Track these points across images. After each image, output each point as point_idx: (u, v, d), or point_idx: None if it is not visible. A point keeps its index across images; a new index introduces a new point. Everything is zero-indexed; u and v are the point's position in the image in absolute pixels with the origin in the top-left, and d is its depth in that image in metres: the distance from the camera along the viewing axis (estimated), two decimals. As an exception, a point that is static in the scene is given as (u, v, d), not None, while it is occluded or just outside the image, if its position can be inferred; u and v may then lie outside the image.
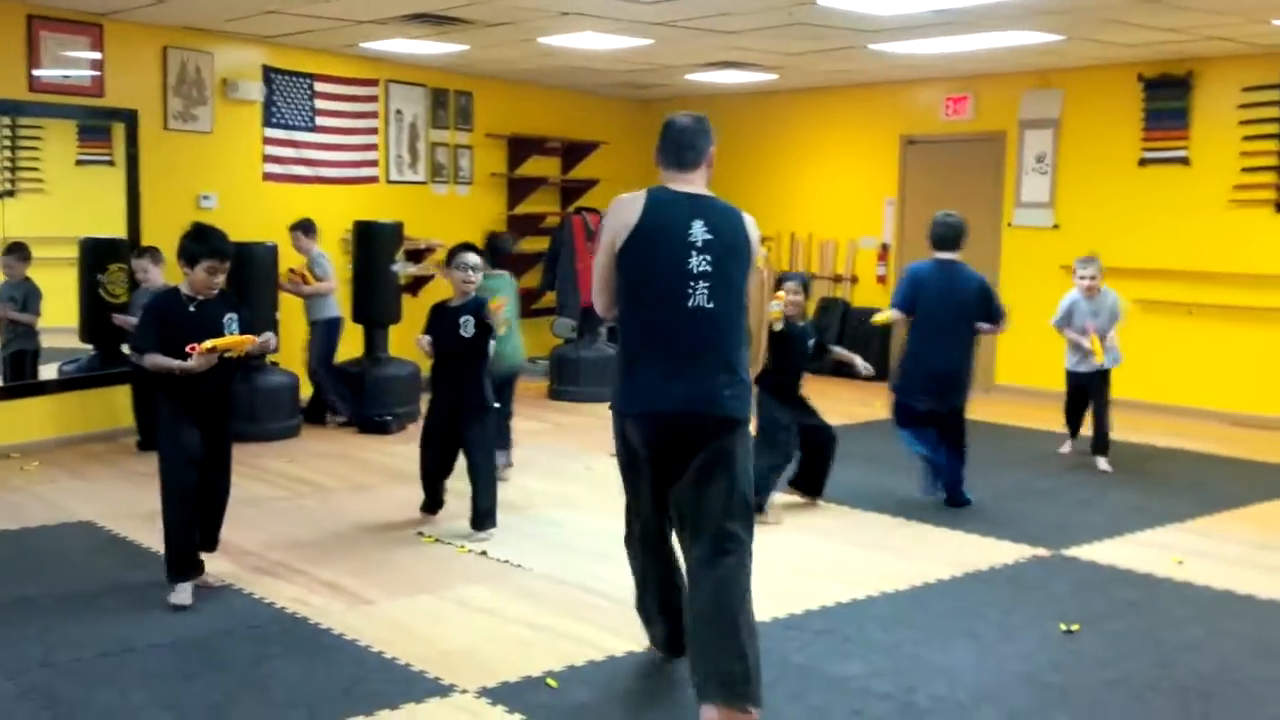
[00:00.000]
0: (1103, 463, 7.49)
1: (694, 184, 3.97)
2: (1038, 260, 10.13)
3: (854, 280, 11.41)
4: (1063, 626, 4.70)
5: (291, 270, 8.63)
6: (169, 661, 4.29)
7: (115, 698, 3.96)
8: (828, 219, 11.55)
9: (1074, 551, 5.76)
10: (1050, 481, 7.23)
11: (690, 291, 3.79)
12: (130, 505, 6.46)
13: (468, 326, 5.92)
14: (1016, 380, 10.24)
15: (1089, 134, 9.83)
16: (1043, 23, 7.83)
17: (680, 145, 3.99)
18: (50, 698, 3.97)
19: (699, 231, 3.83)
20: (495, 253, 7.25)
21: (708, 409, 3.79)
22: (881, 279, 11.16)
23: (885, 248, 11.15)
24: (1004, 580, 5.35)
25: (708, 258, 3.81)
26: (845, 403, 10.02)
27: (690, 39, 8.61)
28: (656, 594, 4.21)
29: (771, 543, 5.89)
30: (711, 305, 3.80)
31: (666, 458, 3.89)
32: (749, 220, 3.97)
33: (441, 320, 5.99)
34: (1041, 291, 10.09)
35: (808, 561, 5.59)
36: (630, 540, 4.20)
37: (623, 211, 3.89)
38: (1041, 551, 5.76)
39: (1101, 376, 7.55)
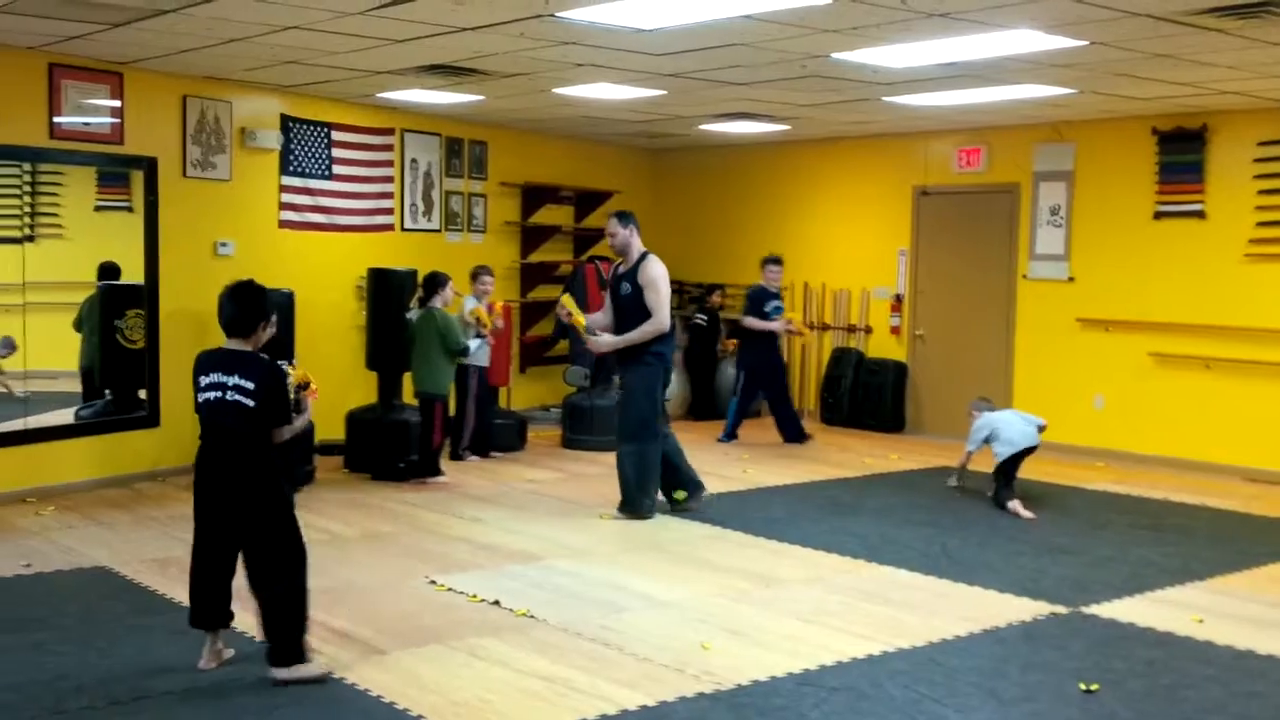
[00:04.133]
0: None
1: None
2: (1053, 313, 10.12)
3: (868, 330, 11.41)
4: (1082, 686, 4.64)
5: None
6: (180, 710, 4.25)
7: (125, 749, 3.93)
8: (841, 269, 11.57)
9: (1093, 609, 5.70)
10: (1069, 538, 7.16)
11: None
12: (145, 551, 6.44)
13: None
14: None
15: (1103, 187, 9.85)
16: (1054, 76, 7.87)
17: None
18: (60, 748, 3.95)
19: None
20: None
21: None
22: (895, 330, 11.15)
23: (899, 298, 11.15)
24: (1022, 638, 5.29)
25: None
26: (859, 454, 10.00)
27: (703, 90, 8.68)
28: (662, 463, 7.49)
29: (782, 596, 5.87)
30: None
31: None
32: None
33: None
34: (1057, 344, 10.10)
35: (820, 615, 5.54)
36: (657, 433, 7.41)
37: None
38: (1060, 609, 5.69)
39: None
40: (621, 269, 7.45)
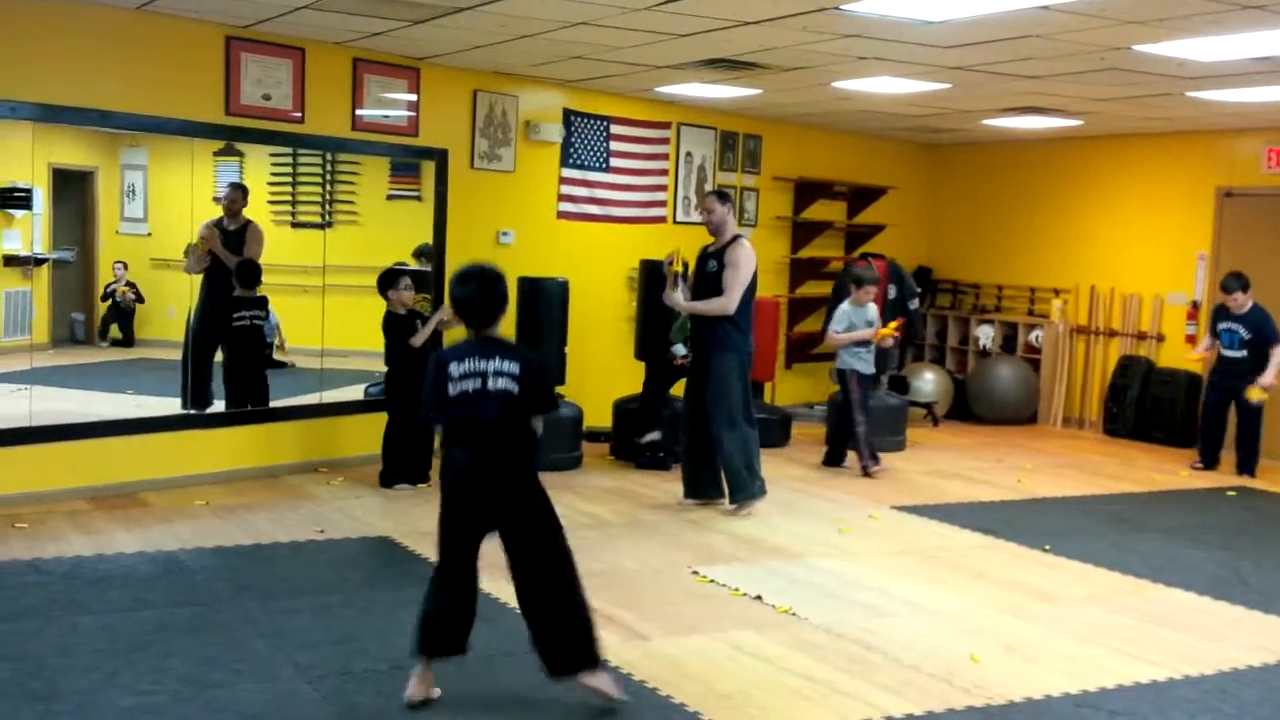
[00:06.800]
0: None
1: None
2: (1371, 326, 9.23)
3: (1159, 338, 10.73)
4: (1401, 735, 4.21)
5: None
6: (455, 681, 4.39)
7: (408, 713, 4.12)
8: (1132, 273, 10.93)
9: None
10: (1382, 570, 6.53)
11: None
12: (424, 524, 6.73)
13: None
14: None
15: None
16: (1389, 68, 7.17)
17: None
18: (348, 705, 4.19)
19: None
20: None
21: None
22: (1190, 338, 10.43)
23: (1195, 305, 10.43)
24: (1328, 676, 4.85)
25: None
26: (1144, 468, 9.43)
27: (991, 84, 8.36)
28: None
29: (1058, 612, 5.59)
30: None
31: None
32: None
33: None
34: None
35: (1099, 635, 5.24)
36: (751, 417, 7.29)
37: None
38: (1374, 647, 5.19)
39: None
40: (711, 248, 7.42)
